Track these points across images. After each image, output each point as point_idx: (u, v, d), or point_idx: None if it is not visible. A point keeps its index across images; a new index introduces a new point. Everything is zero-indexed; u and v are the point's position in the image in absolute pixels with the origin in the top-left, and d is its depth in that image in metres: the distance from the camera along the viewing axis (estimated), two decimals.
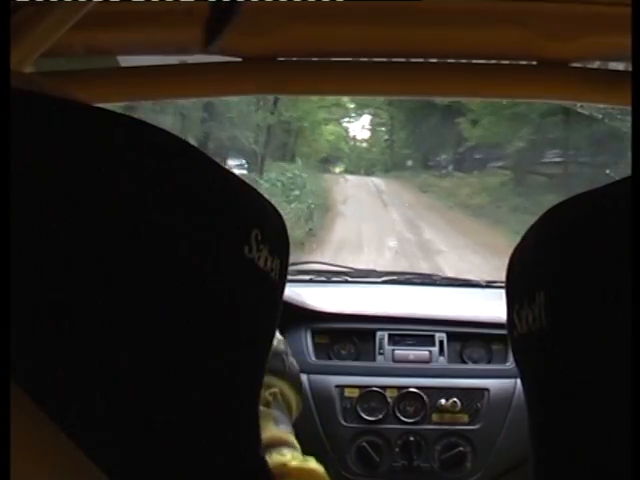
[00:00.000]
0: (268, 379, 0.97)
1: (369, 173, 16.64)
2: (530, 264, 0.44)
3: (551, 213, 0.44)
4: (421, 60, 1.04)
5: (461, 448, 1.29)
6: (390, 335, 1.43)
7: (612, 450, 0.37)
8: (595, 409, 0.38)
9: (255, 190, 0.44)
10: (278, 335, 1.12)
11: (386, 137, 17.75)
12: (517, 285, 0.46)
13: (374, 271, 1.80)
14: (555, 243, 0.42)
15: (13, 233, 0.33)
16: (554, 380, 0.41)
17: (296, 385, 1.00)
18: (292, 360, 1.07)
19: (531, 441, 0.45)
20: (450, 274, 2.82)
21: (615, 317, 0.37)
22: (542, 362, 0.42)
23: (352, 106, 16.81)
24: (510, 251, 0.47)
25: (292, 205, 8.62)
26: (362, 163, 17.88)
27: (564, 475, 0.41)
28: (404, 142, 16.75)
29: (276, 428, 0.78)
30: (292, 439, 0.76)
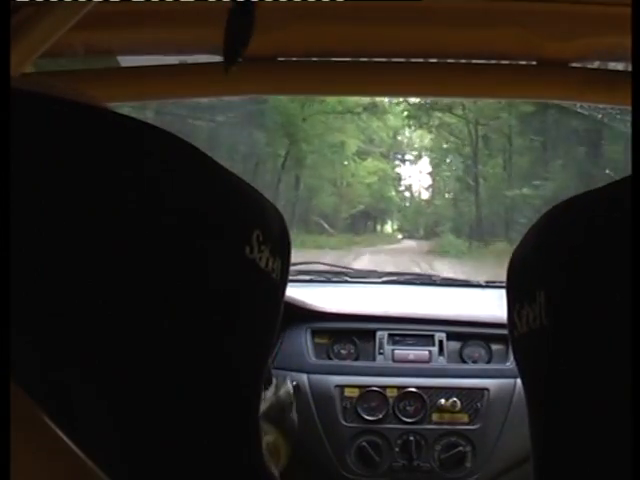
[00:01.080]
0: (267, 426, 0.97)
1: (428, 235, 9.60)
2: (531, 264, 0.44)
3: (551, 213, 0.44)
4: (421, 60, 1.05)
5: (461, 448, 1.29)
6: (390, 335, 1.43)
7: (613, 447, 0.37)
8: (595, 406, 0.38)
9: (256, 191, 0.44)
10: (289, 386, 1.11)
11: (461, 164, 9.44)
12: (518, 285, 0.46)
13: (374, 271, 1.81)
14: (555, 243, 0.42)
15: (13, 233, 0.33)
16: (554, 378, 0.41)
17: (291, 438, 1.00)
18: (294, 415, 1.06)
19: (532, 439, 0.45)
20: None
21: (615, 316, 0.37)
22: (542, 360, 0.42)
23: (394, 114, 9.48)
24: None
25: None
26: (421, 219, 10.39)
27: (565, 472, 0.41)
28: (503, 171, 8.08)
29: None
30: None
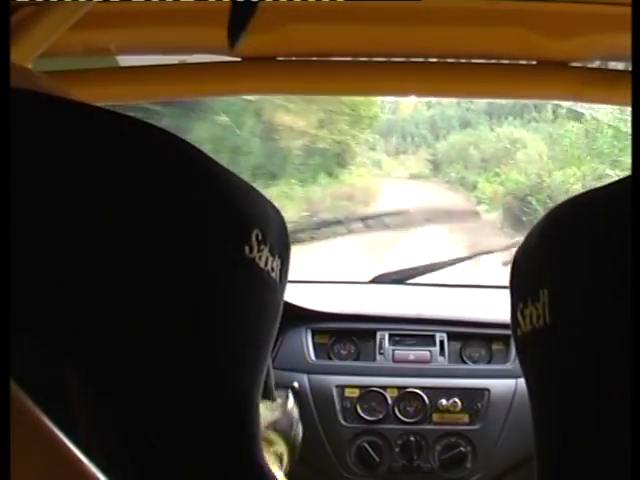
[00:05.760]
0: (273, 436, 1.01)
1: None
2: (534, 263, 0.44)
3: (554, 212, 0.44)
4: (421, 60, 1.04)
5: (461, 448, 1.29)
6: (390, 335, 1.43)
7: (616, 445, 0.37)
8: (599, 405, 0.38)
9: (256, 190, 0.44)
10: (292, 400, 1.13)
11: None
12: (521, 284, 0.46)
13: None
14: (559, 242, 0.42)
15: (13, 230, 0.33)
16: (558, 376, 0.41)
17: (294, 453, 1.05)
18: (300, 429, 1.11)
19: (536, 438, 0.45)
20: None
21: (617, 314, 0.37)
22: (546, 359, 0.42)
23: None
24: None
25: None
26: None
27: (569, 470, 0.41)
28: None
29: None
30: None
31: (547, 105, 4.93)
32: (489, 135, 5.56)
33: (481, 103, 5.52)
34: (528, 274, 0.45)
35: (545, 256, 0.43)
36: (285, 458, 1.00)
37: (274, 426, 1.04)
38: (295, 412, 1.12)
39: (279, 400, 1.09)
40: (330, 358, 1.42)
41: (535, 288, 0.42)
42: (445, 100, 5.54)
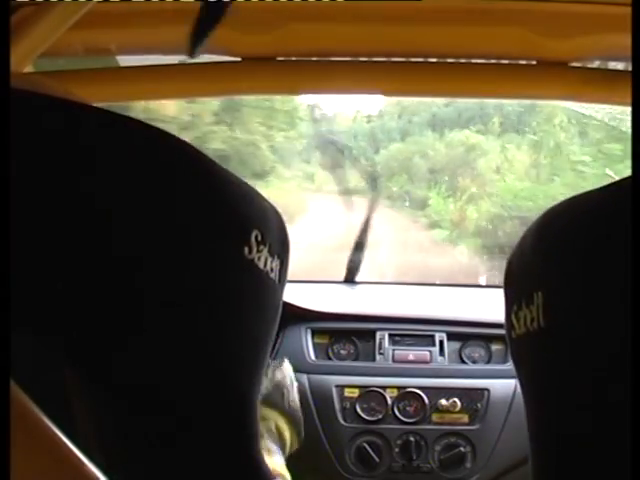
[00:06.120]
0: (265, 411, 1.01)
1: None
2: (529, 265, 0.44)
3: (549, 214, 0.44)
4: (421, 60, 1.04)
5: (461, 448, 1.29)
6: (390, 335, 1.43)
7: (611, 448, 0.37)
8: (594, 407, 0.38)
9: (255, 190, 0.44)
10: (285, 368, 1.14)
11: None
12: (516, 286, 0.46)
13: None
14: (553, 244, 0.42)
15: (13, 230, 0.33)
16: (552, 379, 0.41)
17: (294, 421, 1.03)
18: (294, 396, 1.09)
19: (530, 440, 0.45)
20: None
21: (613, 317, 0.36)
22: (540, 362, 0.42)
23: None
24: None
25: None
26: None
27: (563, 472, 0.41)
28: None
29: (270, 459, 0.81)
30: (284, 471, 0.79)
31: (493, 117, 4.56)
32: (437, 143, 4.52)
33: (425, 115, 4.81)
34: (522, 276, 0.44)
35: (540, 259, 0.43)
36: (286, 434, 0.97)
37: (264, 399, 1.04)
38: (286, 381, 1.11)
39: (268, 373, 1.09)
40: (330, 358, 1.42)
41: (529, 291, 0.42)
42: (386, 113, 5.03)
